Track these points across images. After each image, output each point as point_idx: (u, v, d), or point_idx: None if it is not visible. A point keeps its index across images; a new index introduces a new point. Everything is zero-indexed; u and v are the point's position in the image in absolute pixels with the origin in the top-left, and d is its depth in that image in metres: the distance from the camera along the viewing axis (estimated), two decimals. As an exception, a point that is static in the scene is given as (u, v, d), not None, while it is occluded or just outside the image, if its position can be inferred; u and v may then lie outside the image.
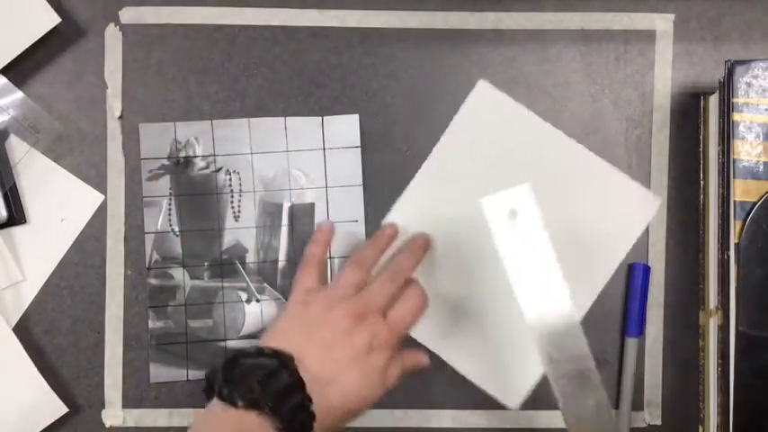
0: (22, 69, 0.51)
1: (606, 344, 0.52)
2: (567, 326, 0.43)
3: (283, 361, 0.41)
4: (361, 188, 0.52)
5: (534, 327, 0.43)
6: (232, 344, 0.52)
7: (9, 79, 0.50)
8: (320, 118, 0.52)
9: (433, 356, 0.52)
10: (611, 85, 0.52)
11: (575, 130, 0.52)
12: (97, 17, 0.52)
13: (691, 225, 0.52)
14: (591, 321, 0.51)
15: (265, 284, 0.52)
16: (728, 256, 0.46)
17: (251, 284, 0.52)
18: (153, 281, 0.52)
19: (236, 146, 0.52)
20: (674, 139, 0.52)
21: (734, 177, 0.46)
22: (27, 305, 0.52)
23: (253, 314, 0.52)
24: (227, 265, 0.52)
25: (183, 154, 0.52)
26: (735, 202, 0.46)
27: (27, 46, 0.50)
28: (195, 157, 0.52)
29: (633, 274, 0.51)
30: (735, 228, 0.46)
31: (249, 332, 0.52)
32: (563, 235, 0.49)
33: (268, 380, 0.40)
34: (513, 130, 0.51)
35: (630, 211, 0.51)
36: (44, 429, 0.51)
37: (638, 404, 0.52)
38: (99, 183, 0.52)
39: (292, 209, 0.52)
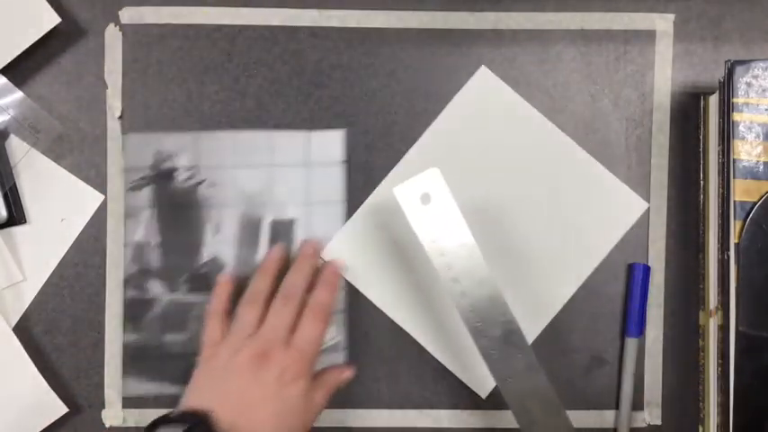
0: (22, 69, 0.51)
1: (606, 344, 0.52)
2: (489, 295, 0.44)
3: (200, 418, 0.42)
4: (343, 205, 0.51)
5: (457, 303, 0.44)
6: None
7: (9, 79, 0.50)
8: (307, 132, 0.51)
9: (423, 354, 0.52)
10: (611, 85, 0.52)
11: (575, 130, 0.52)
12: (97, 17, 0.52)
13: (691, 225, 0.52)
14: (591, 321, 0.52)
15: None
16: (728, 256, 0.46)
17: None
18: (130, 293, 0.52)
19: (219, 159, 0.52)
20: (674, 139, 0.52)
21: (734, 177, 0.46)
22: (27, 305, 0.52)
23: None
24: (205, 280, 0.52)
25: (166, 166, 0.52)
26: (735, 202, 0.46)
27: (27, 46, 0.50)
28: (178, 169, 0.52)
29: (633, 274, 0.51)
30: (735, 228, 0.46)
31: None
32: (546, 225, 0.51)
33: None
34: (509, 119, 0.52)
35: (616, 212, 0.52)
36: (44, 429, 0.51)
37: (638, 404, 0.52)
38: (99, 183, 0.52)
39: (273, 224, 0.52)
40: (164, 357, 0.51)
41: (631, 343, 0.51)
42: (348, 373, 0.49)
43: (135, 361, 0.51)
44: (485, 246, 0.45)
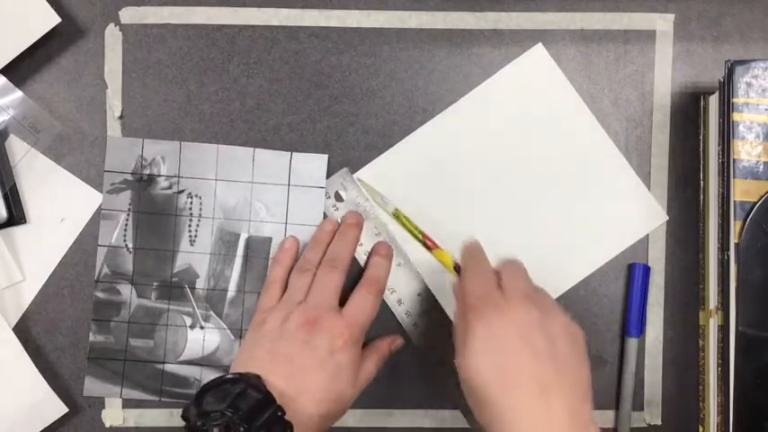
0: (22, 69, 0.51)
1: (606, 344, 0.52)
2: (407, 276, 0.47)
3: (249, 381, 0.41)
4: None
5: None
6: (170, 367, 0.51)
7: (9, 79, 0.50)
8: (289, 153, 0.51)
9: (424, 353, 0.52)
10: (611, 85, 0.52)
11: (575, 130, 0.52)
12: (97, 17, 0.52)
13: (691, 225, 0.52)
14: (591, 321, 0.52)
15: (212, 312, 0.51)
16: (728, 256, 0.46)
17: (197, 310, 0.51)
18: (99, 294, 0.51)
19: (201, 170, 0.51)
20: (674, 139, 0.52)
21: (734, 177, 0.46)
22: (27, 305, 0.52)
23: (194, 340, 0.51)
24: (175, 288, 0.51)
25: (147, 171, 0.51)
26: (735, 202, 0.46)
27: (27, 46, 0.50)
28: (159, 176, 0.51)
29: (633, 275, 0.51)
30: (735, 228, 0.46)
31: (188, 358, 0.51)
32: (561, 212, 0.51)
33: (237, 402, 0.40)
34: (552, 100, 0.52)
35: (635, 216, 0.51)
36: (44, 429, 0.51)
37: (638, 404, 0.52)
38: (99, 183, 0.52)
39: (249, 240, 0.51)
40: (127, 361, 0.51)
41: (631, 343, 0.51)
42: (399, 342, 0.50)
43: (98, 362, 0.51)
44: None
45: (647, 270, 0.51)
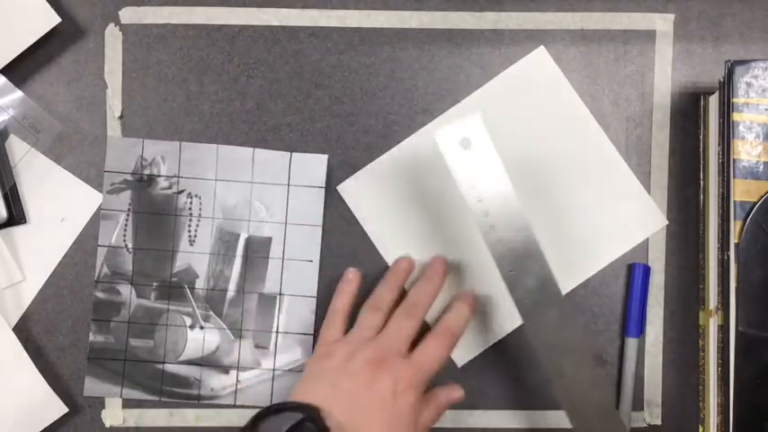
0: (22, 69, 0.51)
1: (606, 344, 0.52)
2: (525, 244, 0.44)
3: (308, 413, 0.41)
4: (320, 229, 0.51)
5: (493, 249, 0.44)
6: (170, 367, 0.51)
7: (9, 79, 0.50)
8: (289, 153, 0.51)
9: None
10: (611, 85, 0.52)
11: (575, 130, 0.52)
12: (97, 17, 0.52)
13: (691, 225, 0.52)
14: (591, 321, 0.52)
15: (211, 312, 0.51)
16: (728, 256, 0.46)
17: (197, 310, 0.51)
18: (99, 294, 0.51)
19: (201, 170, 0.51)
20: (674, 139, 0.52)
21: (734, 177, 0.46)
22: (27, 305, 0.52)
23: (194, 340, 0.51)
24: (175, 288, 0.51)
25: (147, 171, 0.51)
26: (735, 202, 0.46)
27: (27, 46, 0.50)
28: (159, 176, 0.51)
29: (633, 275, 0.51)
30: (735, 228, 0.46)
31: (188, 358, 0.51)
32: (563, 217, 0.51)
33: None
34: (553, 103, 0.51)
35: (635, 220, 0.51)
36: (44, 429, 0.51)
37: (638, 404, 0.52)
38: (99, 183, 0.52)
39: (249, 240, 0.51)
40: (127, 361, 0.51)
41: (631, 343, 0.51)
42: (459, 394, 0.49)
43: (98, 362, 0.51)
44: (492, 222, 0.44)
45: (647, 270, 0.51)
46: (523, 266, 0.45)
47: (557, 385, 0.46)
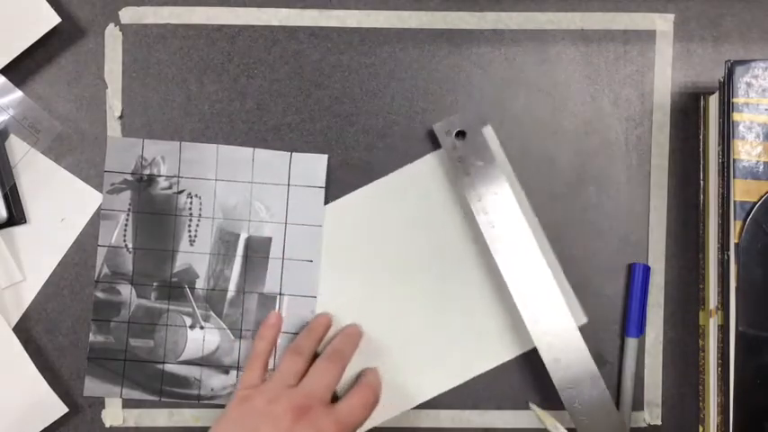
0: (22, 69, 0.51)
1: (606, 344, 0.52)
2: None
3: None
4: (320, 229, 0.51)
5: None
6: (170, 367, 0.51)
7: (9, 79, 0.50)
8: (289, 153, 0.51)
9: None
10: (611, 85, 0.52)
11: (575, 130, 0.52)
12: (97, 17, 0.52)
13: (691, 225, 0.52)
14: (591, 321, 0.51)
15: (211, 312, 0.51)
16: (728, 256, 0.46)
17: (197, 310, 0.51)
18: (99, 294, 0.51)
19: (201, 170, 0.51)
20: (674, 139, 0.52)
21: (734, 177, 0.46)
22: (27, 305, 0.52)
23: (194, 340, 0.51)
24: (175, 288, 0.51)
25: (147, 171, 0.51)
26: (735, 202, 0.46)
27: (27, 46, 0.50)
28: (159, 176, 0.51)
29: (633, 274, 0.51)
30: (735, 228, 0.46)
31: (188, 358, 0.51)
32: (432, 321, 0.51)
33: None
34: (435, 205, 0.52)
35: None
36: (44, 429, 0.51)
37: (638, 404, 0.52)
38: (99, 183, 0.52)
39: (249, 240, 0.51)
40: (127, 361, 0.51)
41: (631, 343, 0.51)
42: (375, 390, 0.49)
43: (98, 362, 0.51)
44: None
45: (647, 270, 0.51)
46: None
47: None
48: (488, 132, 0.52)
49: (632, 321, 0.51)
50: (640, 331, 0.51)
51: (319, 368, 0.47)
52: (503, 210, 0.50)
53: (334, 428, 0.44)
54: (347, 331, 0.50)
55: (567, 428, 0.50)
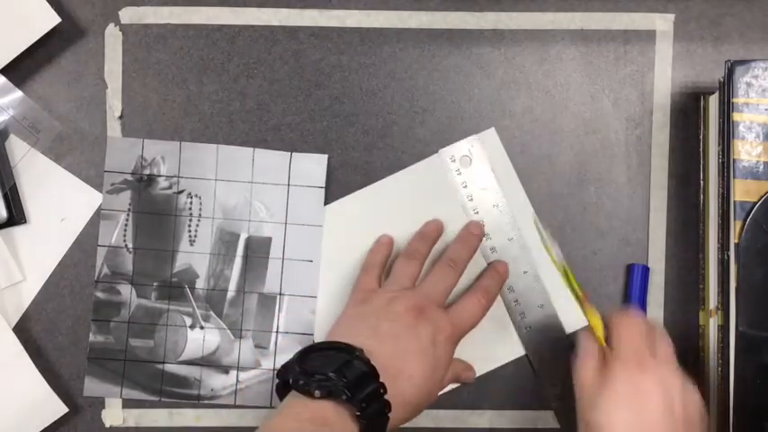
0: (22, 69, 0.51)
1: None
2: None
3: (355, 353, 0.41)
4: (320, 229, 0.51)
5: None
6: (170, 367, 0.51)
7: (9, 79, 0.50)
8: (289, 153, 0.51)
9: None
10: (611, 85, 0.52)
11: (575, 130, 0.52)
12: (97, 17, 0.52)
13: (691, 225, 0.52)
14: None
15: (211, 312, 0.51)
16: (728, 256, 0.46)
17: (197, 310, 0.51)
18: (99, 294, 0.51)
19: (201, 170, 0.51)
20: (674, 139, 0.52)
21: (734, 177, 0.46)
22: (27, 305, 0.52)
23: (194, 340, 0.51)
24: (175, 288, 0.51)
25: (147, 171, 0.51)
26: (735, 202, 0.46)
27: (27, 46, 0.50)
28: (159, 176, 0.51)
29: (632, 275, 0.51)
30: (735, 228, 0.46)
31: (188, 358, 0.51)
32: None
33: (343, 370, 0.40)
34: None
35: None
36: (44, 429, 0.51)
37: (638, 404, 0.52)
38: (99, 183, 0.52)
39: (249, 240, 0.51)
40: (127, 361, 0.51)
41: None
42: (472, 374, 0.50)
43: (98, 362, 0.51)
44: None
45: (645, 270, 0.51)
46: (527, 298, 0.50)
47: (555, 405, 0.48)
48: (491, 136, 0.52)
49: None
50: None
51: (437, 273, 0.48)
52: (504, 237, 0.51)
53: (449, 329, 0.45)
54: (465, 233, 0.50)
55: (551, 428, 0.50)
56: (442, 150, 0.51)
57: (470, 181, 0.51)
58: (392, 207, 0.52)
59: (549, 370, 0.51)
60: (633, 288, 0.51)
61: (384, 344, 0.43)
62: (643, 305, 0.51)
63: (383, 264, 0.50)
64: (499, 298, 0.51)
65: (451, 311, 0.46)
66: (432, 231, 0.50)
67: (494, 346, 0.51)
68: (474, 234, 0.50)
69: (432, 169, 0.52)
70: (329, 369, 0.40)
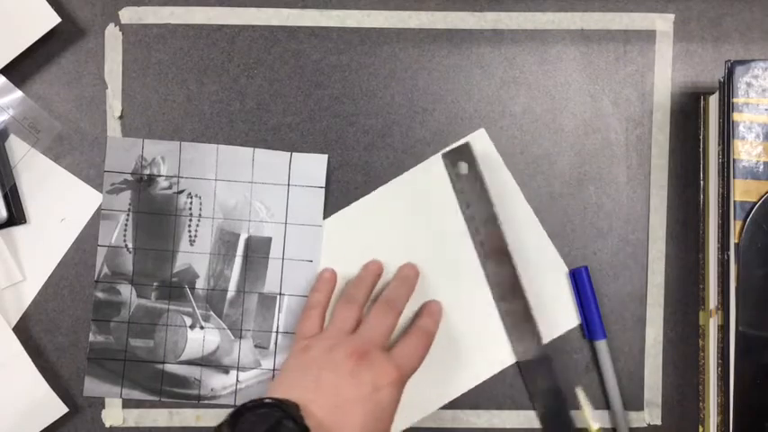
0: (22, 69, 0.51)
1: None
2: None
3: (287, 410, 0.40)
4: (320, 229, 0.51)
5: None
6: (170, 367, 0.51)
7: (9, 79, 0.50)
8: (289, 153, 0.51)
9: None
10: (611, 85, 0.52)
11: (575, 130, 0.52)
12: (97, 17, 0.52)
13: (691, 225, 0.52)
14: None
15: (211, 312, 0.51)
16: (728, 256, 0.46)
17: (197, 310, 0.51)
18: (99, 294, 0.51)
19: (201, 170, 0.51)
20: (674, 139, 0.52)
21: (734, 177, 0.46)
22: (27, 305, 0.52)
23: (194, 340, 0.51)
24: (175, 288, 0.51)
25: (147, 171, 0.51)
26: (735, 202, 0.46)
27: (27, 46, 0.50)
28: (159, 176, 0.51)
29: (578, 280, 0.51)
30: (735, 228, 0.46)
31: (188, 358, 0.51)
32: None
33: (273, 430, 0.39)
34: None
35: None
36: (44, 429, 0.51)
37: (638, 404, 0.52)
38: (99, 183, 0.52)
39: (249, 240, 0.51)
40: (127, 361, 0.51)
41: (601, 345, 0.50)
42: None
43: (98, 362, 0.51)
44: None
45: (586, 271, 0.51)
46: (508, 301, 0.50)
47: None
48: (482, 136, 0.52)
49: (594, 325, 0.50)
50: (604, 332, 0.50)
51: (375, 315, 0.47)
52: (499, 246, 0.50)
53: (395, 373, 0.44)
54: (402, 274, 0.50)
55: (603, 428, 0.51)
56: (434, 157, 0.51)
57: (467, 188, 0.51)
58: (393, 211, 0.52)
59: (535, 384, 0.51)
60: (584, 293, 0.50)
61: (324, 396, 0.43)
62: (596, 306, 0.51)
63: (325, 303, 0.49)
64: (495, 303, 0.51)
65: (394, 354, 0.46)
66: (370, 274, 0.50)
67: (506, 344, 0.51)
68: (412, 275, 0.50)
69: (431, 171, 0.52)
70: (260, 431, 0.39)
